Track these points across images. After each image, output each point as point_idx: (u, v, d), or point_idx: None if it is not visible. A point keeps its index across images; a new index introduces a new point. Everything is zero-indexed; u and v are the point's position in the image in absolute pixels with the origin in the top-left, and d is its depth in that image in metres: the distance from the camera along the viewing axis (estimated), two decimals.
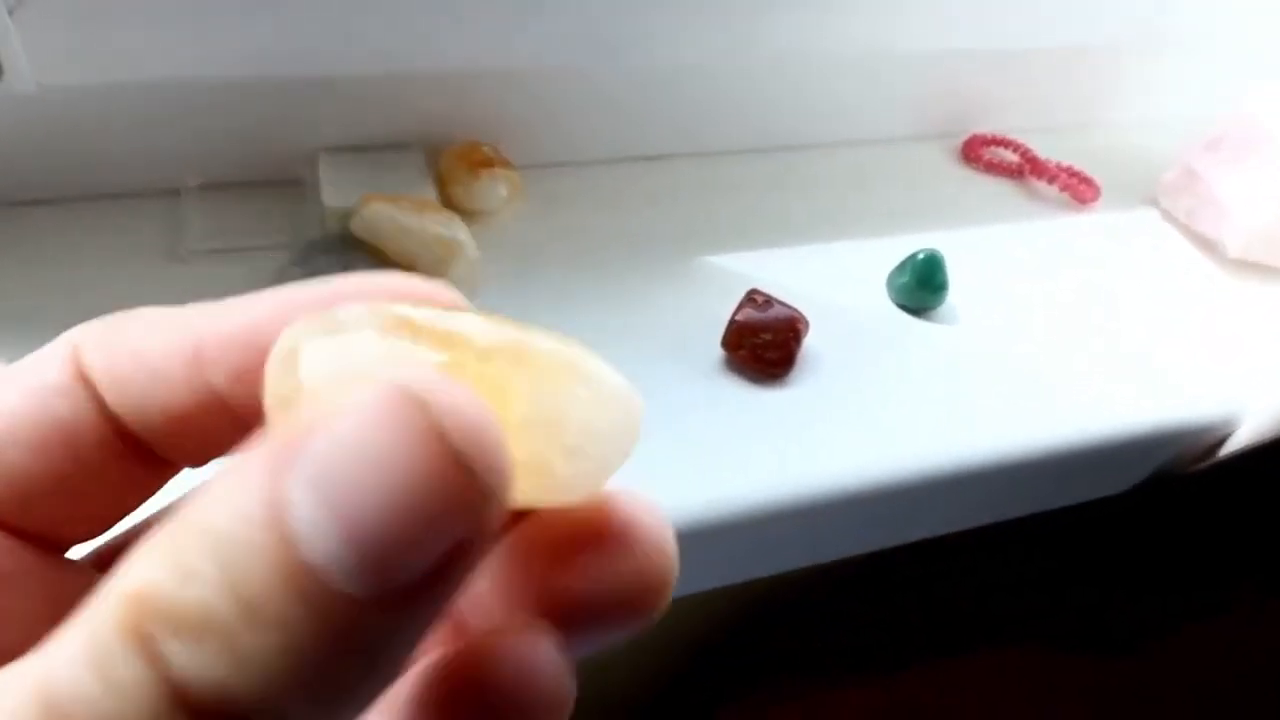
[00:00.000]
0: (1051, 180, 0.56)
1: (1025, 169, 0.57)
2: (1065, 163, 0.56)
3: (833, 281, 0.46)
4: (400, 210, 0.41)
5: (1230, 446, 0.43)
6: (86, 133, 0.43)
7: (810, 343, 0.41)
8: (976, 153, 0.58)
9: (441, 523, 0.09)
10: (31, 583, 0.12)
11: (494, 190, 0.46)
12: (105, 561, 0.14)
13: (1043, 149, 0.57)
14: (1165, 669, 0.46)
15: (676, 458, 0.36)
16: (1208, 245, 0.52)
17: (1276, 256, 0.49)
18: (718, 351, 0.40)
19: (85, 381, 0.13)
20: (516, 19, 0.44)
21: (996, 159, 0.58)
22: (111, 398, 0.13)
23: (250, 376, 0.12)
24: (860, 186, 0.54)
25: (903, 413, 0.39)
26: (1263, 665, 0.44)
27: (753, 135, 0.55)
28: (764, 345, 0.39)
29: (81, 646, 0.09)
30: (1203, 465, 0.42)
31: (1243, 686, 0.44)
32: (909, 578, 0.56)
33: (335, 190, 0.45)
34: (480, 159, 0.47)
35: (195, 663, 0.08)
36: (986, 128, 0.59)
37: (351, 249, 0.42)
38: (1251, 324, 0.48)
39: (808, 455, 0.37)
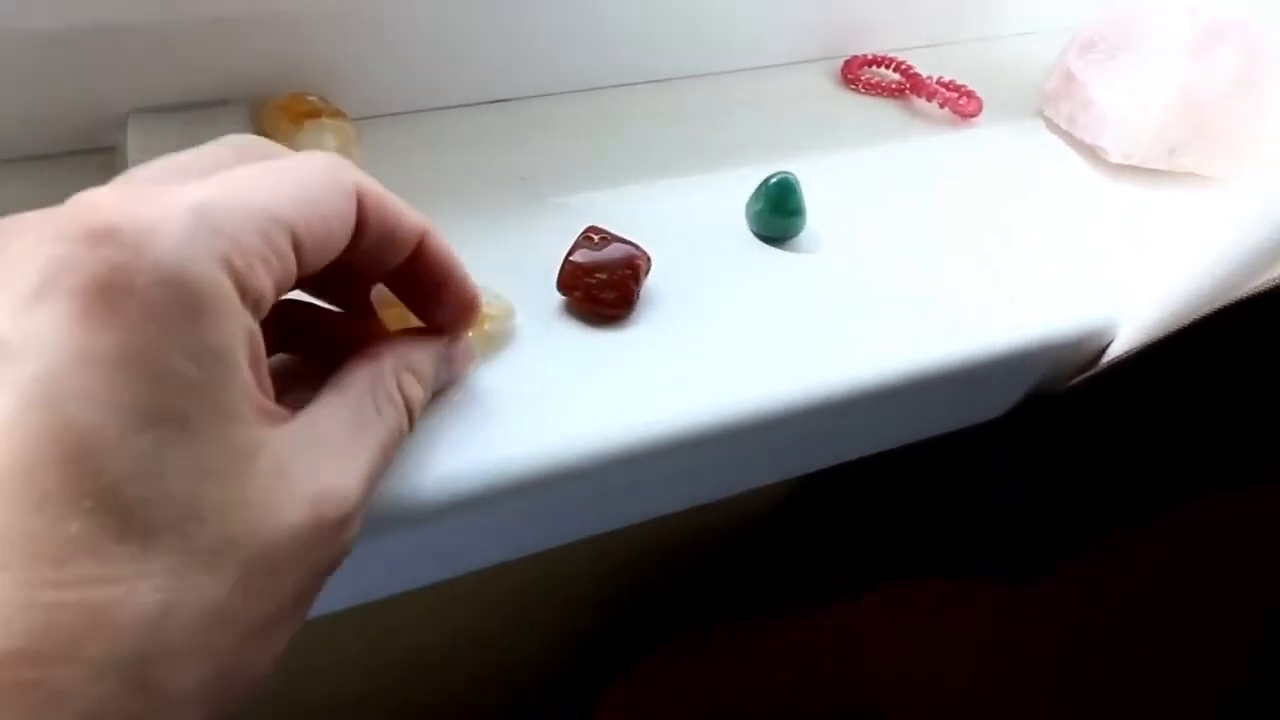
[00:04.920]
0: (932, 97, 0.53)
1: (906, 87, 0.54)
2: (946, 78, 0.54)
3: (692, 217, 0.43)
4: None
5: (1109, 356, 0.41)
6: None
7: (656, 281, 0.39)
8: (855, 74, 0.55)
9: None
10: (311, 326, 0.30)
11: (319, 142, 0.43)
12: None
13: (925, 67, 0.55)
14: (1063, 596, 0.45)
15: (512, 406, 0.34)
16: (1091, 153, 0.50)
17: (1156, 158, 0.47)
18: (555, 295, 0.38)
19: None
20: None
21: (876, 79, 0.55)
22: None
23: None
24: (731, 117, 0.51)
25: (753, 348, 0.37)
26: (1150, 582, 0.42)
27: (611, 71, 0.52)
28: (599, 285, 0.37)
29: (367, 380, 0.26)
30: (1079, 380, 0.40)
31: (1130, 611, 0.43)
32: (797, 518, 0.54)
33: (145, 154, 0.41)
34: (305, 110, 0.43)
35: (412, 388, 0.27)
36: (868, 49, 0.57)
37: None
38: (1131, 230, 0.46)
39: (648, 399, 0.35)
